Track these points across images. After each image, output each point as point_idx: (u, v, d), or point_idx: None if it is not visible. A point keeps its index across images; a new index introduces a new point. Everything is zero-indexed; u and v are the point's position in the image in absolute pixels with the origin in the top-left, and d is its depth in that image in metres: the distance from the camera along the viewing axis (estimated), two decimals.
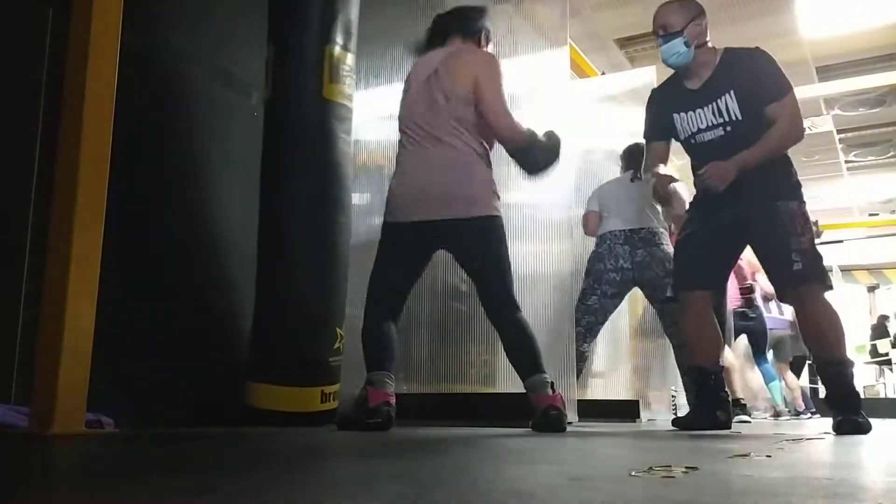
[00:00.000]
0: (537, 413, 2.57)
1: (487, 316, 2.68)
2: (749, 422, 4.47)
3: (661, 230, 3.99)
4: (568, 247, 3.49)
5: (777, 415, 6.53)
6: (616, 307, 4.04)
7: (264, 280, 2.83)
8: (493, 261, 2.61)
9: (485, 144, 2.66)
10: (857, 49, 7.00)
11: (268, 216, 2.85)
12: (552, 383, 2.60)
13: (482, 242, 2.60)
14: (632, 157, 4.15)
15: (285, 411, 2.70)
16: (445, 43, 2.75)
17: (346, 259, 2.94)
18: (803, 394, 7.38)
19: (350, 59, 2.96)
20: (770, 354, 6.72)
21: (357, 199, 3.57)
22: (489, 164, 2.66)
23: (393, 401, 2.51)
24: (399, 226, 2.62)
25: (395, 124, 3.55)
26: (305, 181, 2.81)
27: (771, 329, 6.55)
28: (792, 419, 6.56)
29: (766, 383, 6.65)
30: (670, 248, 3.93)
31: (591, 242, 4.08)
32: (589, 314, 3.80)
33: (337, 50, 2.87)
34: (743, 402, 4.66)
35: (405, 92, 2.73)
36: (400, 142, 2.72)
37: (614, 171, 4.28)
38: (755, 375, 6.50)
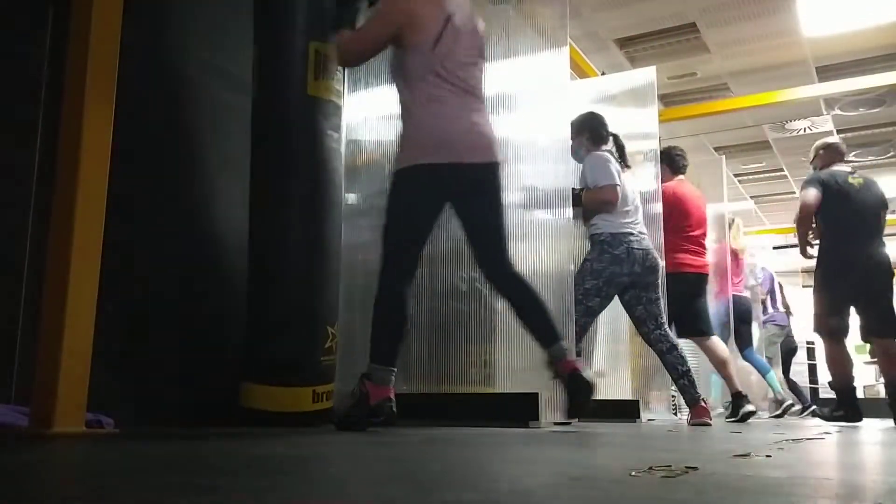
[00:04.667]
0: (564, 377, 2.57)
1: (488, 272, 2.64)
2: (754, 412, 4.45)
3: None
4: (568, 246, 3.49)
5: (779, 403, 6.55)
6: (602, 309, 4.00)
7: (254, 280, 2.83)
8: (502, 207, 2.65)
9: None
10: (857, 49, 7.00)
11: (256, 215, 2.85)
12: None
13: (497, 186, 2.63)
14: (603, 127, 4.08)
15: (276, 411, 2.69)
16: None
17: (338, 257, 2.93)
18: (794, 387, 7.43)
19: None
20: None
21: (357, 198, 3.57)
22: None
23: (393, 395, 2.47)
24: (436, 168, 2.50)
25: (395, 124, 3.55)
26: (292, 180, 2.80)
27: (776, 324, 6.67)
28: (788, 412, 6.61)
29: (763, 375, 6.67)
30: None
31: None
32: (588, 315, 3.74)
33: (322, 46, 2.85)
34: (744, 394, 4.64)
35: (453, 35, 2.57)
36: (434, 83, 2.55)
37: None
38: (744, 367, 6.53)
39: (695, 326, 4.64)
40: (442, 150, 2.51)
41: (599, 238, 3.84)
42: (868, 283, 4.39)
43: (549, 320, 2.62)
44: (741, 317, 6.48)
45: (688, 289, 4.67)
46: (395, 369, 2.50)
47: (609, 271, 3.78)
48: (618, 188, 3.81)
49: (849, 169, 4.69)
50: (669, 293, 4.55)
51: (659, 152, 5.13)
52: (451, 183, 2.55)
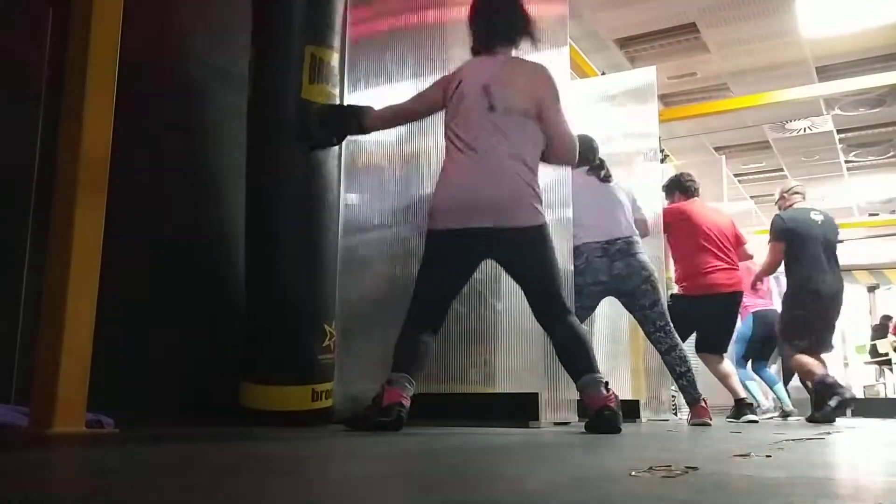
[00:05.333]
0: (590, 413, 2.55)
1: (536, 318, 2.67)
2: (756, 421, 4.47)
3: (636, 239, 3.99)
4: (568, 246, 3.49)
5: (786, 415, 6.54)
6: (589, 316, 4.01)
7: (251, 280, 2.84)
8: (540, 268, 2.62)
9: (535, 156, 2.66)
10: (857, 49, 7.00)
11: (252, 216, 2.86)
12: (606, 382, 2.58)
13: (529, 251, 2.61)
14: (583, 146, 4.08)
15: (276, 410, 2.70)
16: (495, 47, 2.72)
17: (334, 256, 2.94)
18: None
19: (335, 58, 2.94)
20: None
21: (357, 199, 3.57)
22: (536, 174, 2.66)
23: (407, 403, 2.47)
24: (447, 233, 2.58)
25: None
26: (286, 181, 2.81)
27: None
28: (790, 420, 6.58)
29: (771, 387, 6.66)
30: (645, 255, 3.95)
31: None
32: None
33: (318, 50, 2.85)
34: (749, 402, 4.67)
35: (458, 99, 2.64)
36: (447, 148, 2.67)
37: (614, 172, 4.24)
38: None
39: (717, 345, 4.71)
40: (448, 216, 2.58)
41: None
42: (828, 311, 4.94)
43: (582, 358, 2.59)
44: (768, 330, 6.46)
45: (719, 309, 4.74)
46: (413, 380, 2.52)
47: (575, 283, 3.71)
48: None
49: (809, 206, 5.16)
50: (701, 314, 4.61)
51: (665, 170, 5.17)
52: (465, 247, 2.59)
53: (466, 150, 2.60)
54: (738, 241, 4.97)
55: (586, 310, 3.90)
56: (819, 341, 4.88)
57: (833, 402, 4.55)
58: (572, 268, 3.54)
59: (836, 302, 4.94)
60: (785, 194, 5.27)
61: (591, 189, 3.94)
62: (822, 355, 4.92)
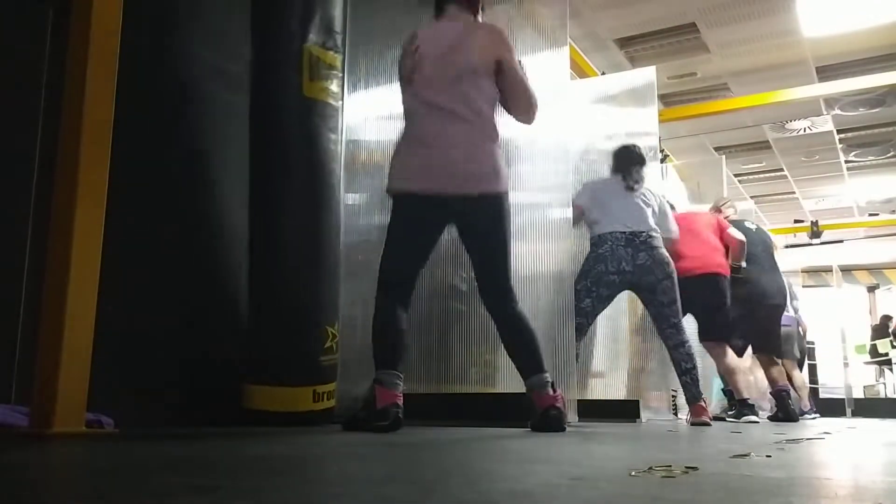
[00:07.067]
0: (537, 413, 2.57)
1: (487, 306, 2.64)
2: (757, 422, 4.47)
3: (657, 234, 4.00)
4: (568, 246, 3.49)
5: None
6: (605, 309, 4.04)
7: (254, 280, 2.84)
8: (499, 242, 2.59)
9: (492, 118, 2.65)
10: (857, 49, 7.00)
11: (255, 216, 2.86)
12: (552, 383, 2.60)
13: (491, 221, 2.58)
14: (621, 160, 4.15)
15: (278, 411, 2.70)
16: (445, 12, 2.73)
17: (337, 258, 2.94)
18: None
19: (333, 57, 2.95)
20: None
21: (356, 199, 3.57)
22: (496, 141, 2.64)
23: (401, 401, 2.47)
24: (414, 197, 2.55)
25: (395, 124, 3.55)
26: (289, 181, 2.82)
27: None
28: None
29: None
30: (665, 251, 3.96)
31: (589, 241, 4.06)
32: (581, 316, 3.73)
33: (316, 49, 2.87)
34: (751, 402, 4.67)
35: (417, 67, 2.62)
36: (408, 113, 2.65)
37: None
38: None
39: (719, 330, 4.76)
40: (412, 180, 2.55)
41: (591, 241, 4.01)
42: (766, 306, 5.31)
43: (533, 355, 2.60)
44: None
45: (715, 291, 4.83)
46: (401, 374, 2.50)
47: (595, 271, 3.86)
48: (575, 207, 3.80)
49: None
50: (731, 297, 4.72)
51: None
52: (426, 211, 2.56)
53: (431, 115, 2.58)
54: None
55: (603, 300, 3.92)
56: (769, 344, 5.21)
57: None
58: (571, 267, 3.54)
59: (774, 302, 5.29)
60: (723, 206, 5.67)
61: (619, 187, 4.04)
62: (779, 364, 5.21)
